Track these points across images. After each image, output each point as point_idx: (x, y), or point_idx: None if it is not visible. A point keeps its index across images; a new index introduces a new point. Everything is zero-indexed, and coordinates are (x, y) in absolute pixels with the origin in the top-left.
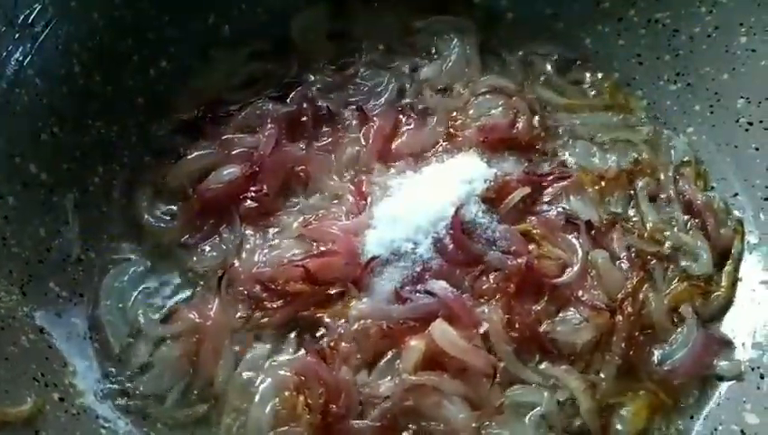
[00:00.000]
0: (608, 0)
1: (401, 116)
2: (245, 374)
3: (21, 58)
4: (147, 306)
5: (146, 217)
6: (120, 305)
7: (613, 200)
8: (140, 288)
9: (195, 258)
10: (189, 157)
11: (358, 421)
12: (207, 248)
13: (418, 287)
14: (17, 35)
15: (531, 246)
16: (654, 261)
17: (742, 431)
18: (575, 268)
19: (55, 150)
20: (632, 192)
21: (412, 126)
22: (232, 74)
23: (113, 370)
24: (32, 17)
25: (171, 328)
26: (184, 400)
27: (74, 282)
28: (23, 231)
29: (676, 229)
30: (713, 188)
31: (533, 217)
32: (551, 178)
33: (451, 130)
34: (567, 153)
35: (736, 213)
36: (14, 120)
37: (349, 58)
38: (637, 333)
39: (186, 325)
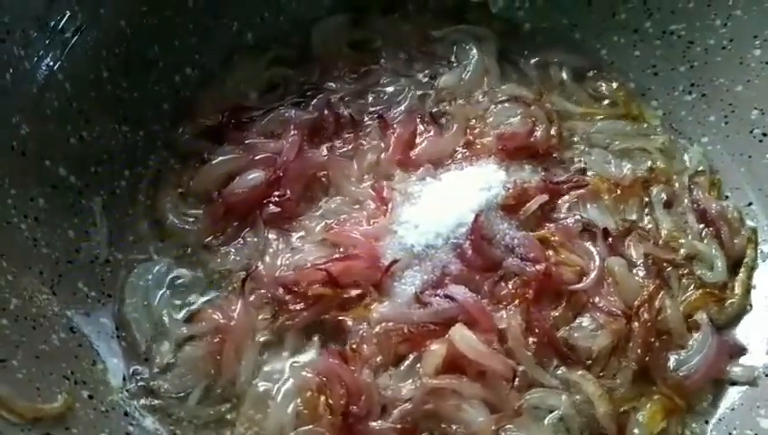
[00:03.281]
0: (624, 11)
1: (421, 123)
2: (262, 385)
3: (51, 63)
4: (171, 306)
5: (171, 218)
6: (145, 304)
7: (629, 208)
8: (165, 288)
9: (218, 260)
10: (214, 162)
11: (378, 423)
12: (231, 251)
13: (438, 292)
14: (48, 41)
15: (549, 253)
16: (669, 268)
17: None
18: (592, 275)
19: (84, 154)
20: (647, 200)
21: (432, 133)
22: (254, 80)
23: (139, 368)
24: (62, 23)
25: (195, 328)
26: (206, 399)
27: (102, 282)
28: (53, 232)
29: (690, 237)
30: (727, 197)
31: (551, 225)
32: (567, 185)
33: (470, 137)
34: (583, 161)
35: (750, 222)
36: (45, 123)
37: (369, 66)
38: (652, 339)
39: (209, 326)
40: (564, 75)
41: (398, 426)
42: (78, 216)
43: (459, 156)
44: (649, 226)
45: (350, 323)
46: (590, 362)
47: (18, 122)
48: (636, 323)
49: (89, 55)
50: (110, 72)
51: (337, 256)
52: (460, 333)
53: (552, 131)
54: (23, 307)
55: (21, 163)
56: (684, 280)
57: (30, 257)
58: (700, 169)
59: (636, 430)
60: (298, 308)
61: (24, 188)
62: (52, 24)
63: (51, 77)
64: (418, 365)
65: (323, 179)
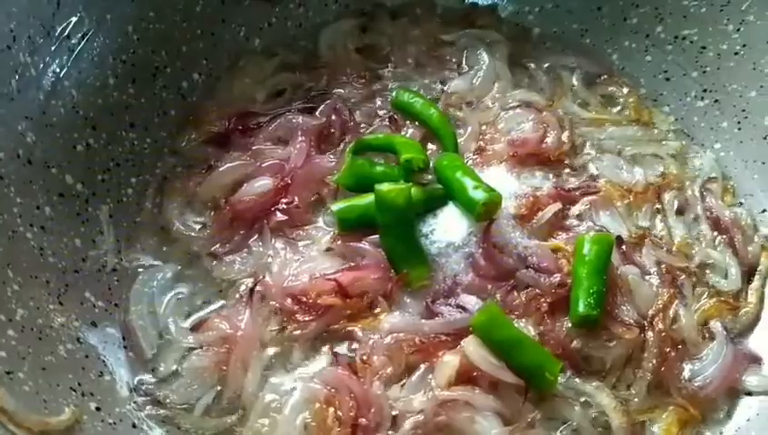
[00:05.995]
0: (635, 16)
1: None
2: (269, 397)
3: (58, 70)
4: (177, 314)
5: (177, 225)
6: (151, 311)
7: (641, 215)
8: (170, 295)
9: (224, 268)
10: (221, 168)
11: None
12: (238, 260)
13: (450, 301)
14: (54, 48)
15: (562, 262)
16: (683, 276)
17: None
18: None
19: (90, 161)
20: (659, 207)
21: None
22: (261, 85)
23: (145, 378)
24: (68, 30)
25: (201, 337)
26: (213, 410)
27: (109, 291)
28: (59, 241)
29: (703, 245)
30: (740, 204)
31: (563, 233)
32: (580, 192)
33: (481, 143)
34: (595, 167)
35: (764, 230)
36: (51, 131)
37: (377, 71)
38: (667, 349)
39: (216, 335)
40: (575, 80)
41: None
42: (85, 224)
43: (470, 162)
44: (662, 233)
45: (359, 333)
46: (604, 373)
47: (24, 130)
48: (650, 333)
49: (95, 62)
50: (116, 78)
51: (346, 266)
52: (473, 345)
53: (564, 137)
54: (29, 318)
55: (27, 171)
56: (697, 288)
57: (36, 267)
58: (713, 175)
59: None
60: (306, 319)
61: (30, 197)
62: (59, 30)
63: (57, 84)
64: (430, 376)
65: (331, 185)
